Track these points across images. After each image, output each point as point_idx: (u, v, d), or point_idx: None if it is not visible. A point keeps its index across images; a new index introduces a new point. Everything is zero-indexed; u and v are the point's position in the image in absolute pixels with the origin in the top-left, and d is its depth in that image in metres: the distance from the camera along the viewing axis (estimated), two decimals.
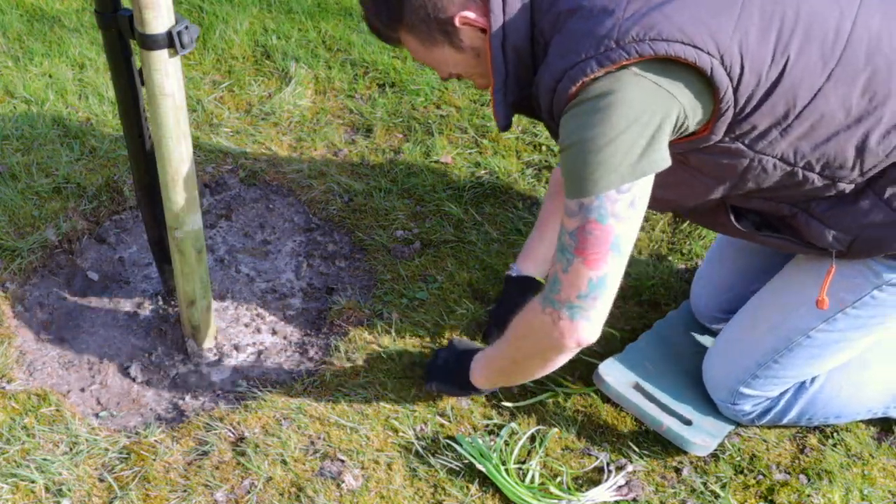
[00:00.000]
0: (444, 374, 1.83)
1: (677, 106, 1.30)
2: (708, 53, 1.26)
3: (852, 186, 1.44)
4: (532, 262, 1.98)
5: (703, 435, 1.77)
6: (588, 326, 1.41)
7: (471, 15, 1.39)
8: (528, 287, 1.95)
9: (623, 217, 1.33)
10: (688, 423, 1.79)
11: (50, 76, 2.77)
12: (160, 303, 2.12)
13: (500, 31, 1.38)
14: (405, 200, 2.41)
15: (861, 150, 1.37)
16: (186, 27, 1.43)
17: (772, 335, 1.70)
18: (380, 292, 2.13)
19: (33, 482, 1.66)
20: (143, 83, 1.52)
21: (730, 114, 1.33)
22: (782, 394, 1.76)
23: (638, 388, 1.84)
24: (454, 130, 2.65)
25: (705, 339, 2.01)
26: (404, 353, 1.96)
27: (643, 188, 1.33)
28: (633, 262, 2.23)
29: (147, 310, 2.11)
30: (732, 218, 1.58)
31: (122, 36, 1.53)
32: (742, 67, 1.28)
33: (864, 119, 1.34)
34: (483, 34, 1.42)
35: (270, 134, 2.62)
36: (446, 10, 1.40)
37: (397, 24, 1.45)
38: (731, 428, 1.83)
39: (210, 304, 1.93)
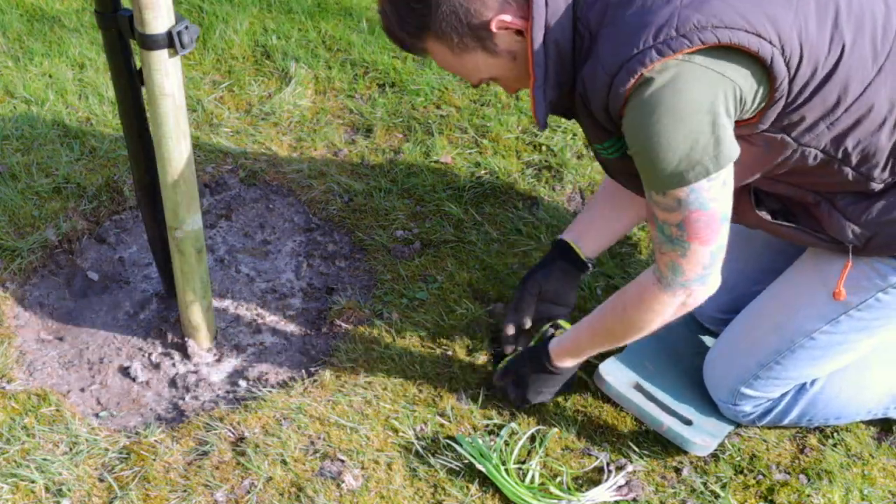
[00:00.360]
0: (519, 367, 1.80)
1: (740, 92, 1.29)
2: (770, 42, 1.24)
3: (882, 185, 1.44)
4: (572, 231, 1.91)
5: (703, 435, 1.77)
6: (717, 280, 1.46)
7: (508, 18, 1.34)
8: (560, 253, 1.89)
9: (721, 198, 1.35)
10: (688, 423, 1.79)
11: (50, 76, 2.77)
12: (160, 303, 2.12)
13: (542, 26, 1.33)
14: (405, 200, 2.41)
15: None
16: (186, 27, 1.43)
17: (775, 335, 1.70)
18: (380, 292, 2.13)
19: (33, 482, 1.66)
20: (143, 83, 1.52)
21: (781, 103, 1.32)
22: (783, 395, 1.76)
23: (638, 388, 1.84)
24: (454, 130, 2.65)
25: (706, 339, 2.01)
26: (404, 353, 1.96)
27: (729, 170, 1.33)
28: (633, 262, 2.23)
29: (147, 310, 2.11)
30: (753, 202, 1.57)
31: (122, 36, 1.53)
32: (801, 57, 1.27)
33: None
34: (520, 36, 1.37)
35: (270, 134, 2.62)
36: (481, 15, 1.34)
37: (425, 32, 1.38)
38: (731, 428, 1.83)
39: (210, 304, 1.93)
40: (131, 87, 1.62)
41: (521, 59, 1.40)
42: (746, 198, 1.58)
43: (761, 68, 1.28)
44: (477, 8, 1.33)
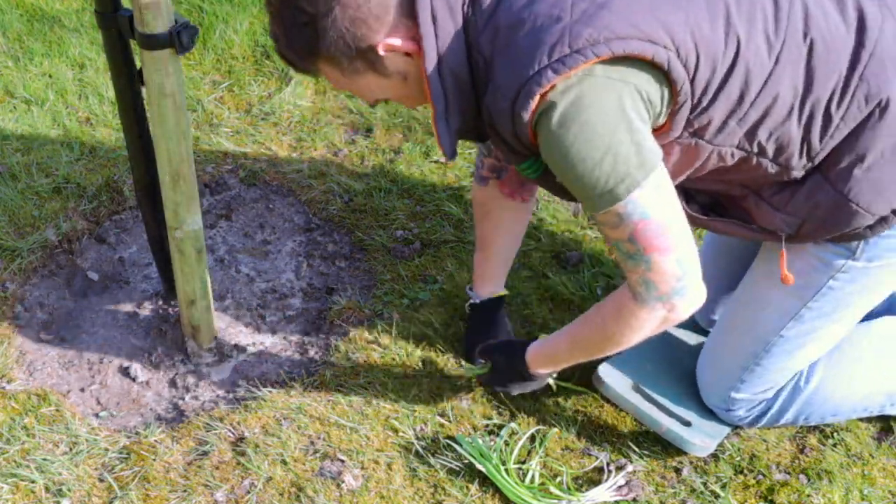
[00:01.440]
0: (501, 369, 1.79)
1: (647, 94, 1.28)
2: (664, 47, 1.24)
3: (802, 172, 1.45)
4: (489, 283, 2.00)
5: (702, 436, 1.77)
6: (698, 291, 1.42)
7: (396, 42, 1.32)
8: (496, 308, 2.00)
9: (660, 201, 1.33)
10: (687, 424, 1.79)
11: (50, 76, 2.77)
12: (160, 303, 2.12)
13: (434, 56, 1.32)
14: (405, 200, 2.41)
15: (807, 129, 1.38)
16: (186, 27, 1.43)
17: (748, 338, 1.72)
18: (380, 292, 2.13)
19: (33, 482, 1.66)
20: (143, 83, 1.52)
21: (687, 106, 1.32)
22: (777, 395, 1.77)
23: (637, 389, 1.84)
24: None
25: (703, 339, 2.00)
26: (404, 353, 1.96)
27: (658, 173, 1.32)
28: None
29: (147, 310, 2.11)
30: (683, 202, 1.56)
31: (122, 36, 1.53)
32: (697, 58, 1.27)
33: (807, 97, 1.35)
34: (409, 58, 1.36)
35: (270, 134, 2.62)
36: (369, 39, 1.32)
37: (314, 56, 1.37)
38: (729, 429, 1.83)
39: (210, 304, 1.93)
40: (131, 87, 1.63)
41: (413, 78, 1.40)
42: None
43: (659, 74, 1.27)
44: (364, 32, 1.31)
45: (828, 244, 1.55)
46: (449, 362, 1.95)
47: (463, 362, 1.94)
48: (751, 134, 1.38)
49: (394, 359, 1.95)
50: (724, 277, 1.92)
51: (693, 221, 1.62)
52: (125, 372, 1.95)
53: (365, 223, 2.33)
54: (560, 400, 1.88)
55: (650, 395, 1.84)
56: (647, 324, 1.45)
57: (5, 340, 1.96)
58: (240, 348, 2.03)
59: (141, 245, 2.26)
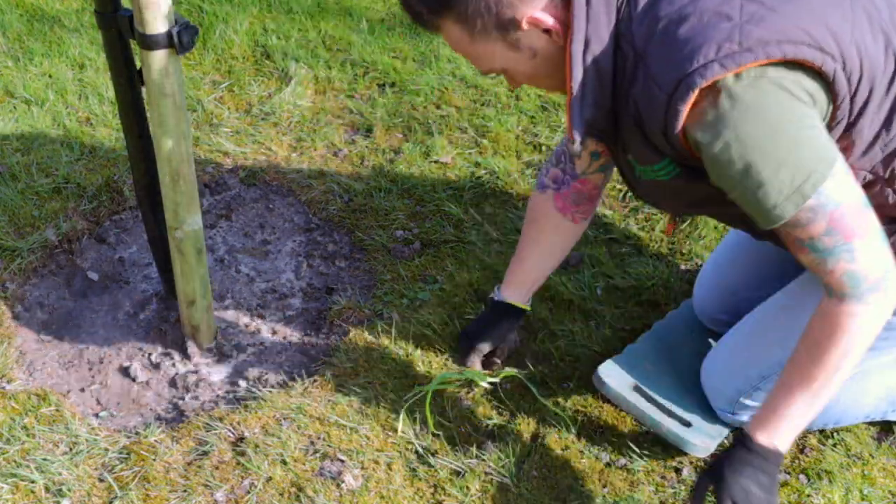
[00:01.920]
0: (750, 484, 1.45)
1: (819, 106, 1.23)
2: (832, 58, 1.20)
3: None
4: (515, 289, 1.90)
5: (702, 437, 1.77)
6: None
7: (542, 16, 1.27)
8: (508, 313, 1.91)
9: (847, 188, 1.26)
10: (687, 424, 1.79)
11: (50, 76, 2.77)
12: (160, 303, 2.12)
13: (581, 39, 1.26)
14: (405, 200, 2.41)
15: None
16: (186, 27, 1.43)
17: (779, 348, 1.64)
18: (380, 292, 2.13)
19: (33, 482, 1.66)
20: (143, 83, 1.52)
21: (843, 125, 1.28)
22: None
23: (638, 389, 1.84)
24: (454, 130, 2.65)
25: (705, 340, 2.00)
26: (404, 353, 1.96)
27: (840, 162, 1.25)
28: (632, 262, 2.23)
29: (147, 310, 2.11)
30: None
31: (122, 36, 1.53)
32: (861, 73, 1.23)
33: None
34: (548, 36, 1.30)
35: (270, 134, 2.62)
36: (514, 9, 1.27)
37: (446, 11, 1.30)
38: (730, 430, 1.83)
39: (210, 304, 1.93)
40: (131, 87, 1.63)
41: (543, 57, 1.34)
42: None
43: (825, 84, 1.23)
44: (513, 1, 1.27)
45: None
46: (449, 362, 1.95)
47: (466, 368, 1.92)
48: (889, 159, 1.34)
49: (394, 359, 1.95)
50: (742, 275, 1.89)
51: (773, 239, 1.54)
52: (125, 372, 1.95)
53: (365, 223, 2.33)
54: (560, 400, 1.88)
55: (651, 395, 1.83)
56: (868, 318, 1.32)
57: (5, 340, 1.96)
58: (240, 348, 2.03)
59: (141, 245, 2.26)
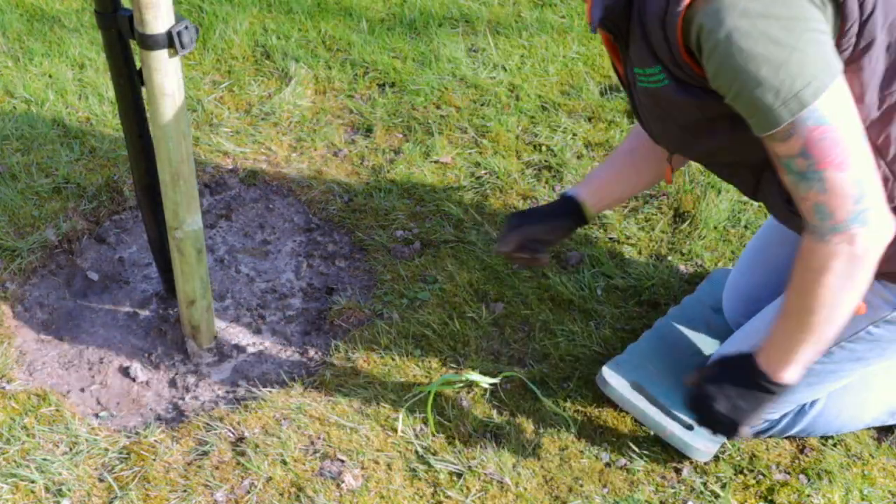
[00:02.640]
0: (733, 398, 1.50)
1: (828, 19, 1.17)
2: None
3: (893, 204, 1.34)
4: (593, 194, 1.77)
5: (704, 440, 1.77)
6: (884, 220, 1.25)
7: None
8: (571, 213, 1.77)
9: (840, 110, 1.19)
10: (689, 427, 1.79)
11: (50, 76, 2.77)
12: (160, 303, 2.12)
13: None
14: (405, 200, 2.41)
15: None
16: (186, 27, 1.43)
17: None
18: (380, 292, 2.13)
19: (33, 482, 1.66)
20: (143, 83, 1.52)
21: (845, 56, 1.21)
22: (782, 417, 1.76)
23: (640, 390, 1.84)
24: (454, 130, 2.65)
25: (706, 339, 2.00)
26: (404, 353, 1.96)
27: (841, 79, 1.19)
28: (632, 262, 2.23)
29: (147, 310, 2.11)
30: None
31: (122, 36, 1.53)
32: (875, 4, 1.17)
33: None
34: None
35: (270, 134, 2.62)
36: None
37: None
38: None
39: (210, 304, 1.93)
40: (131, 87, 1.63)
41: None
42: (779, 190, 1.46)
43: (834, 5, 1.17)
44: None
45: (880, 287, 1.48)
46: (449, 362, 1.95)
47: (469, 372, 1.90)
48: (885, 121, 1.28)
49: (394, 359, 1.95)
50: (763, 282, 1.85)
51: (785, 218, 1.51)
52: (125, 372, 1.95)
53: (365, 223, 2.33)
54: (560, 400, 1.88)
55: (653, 397, 1.83)
56: (832, 262, 1.25)
57: (5, 340, 1.96)
58: (240, 348, 2.03)
59: (141, 245, 2.26)
